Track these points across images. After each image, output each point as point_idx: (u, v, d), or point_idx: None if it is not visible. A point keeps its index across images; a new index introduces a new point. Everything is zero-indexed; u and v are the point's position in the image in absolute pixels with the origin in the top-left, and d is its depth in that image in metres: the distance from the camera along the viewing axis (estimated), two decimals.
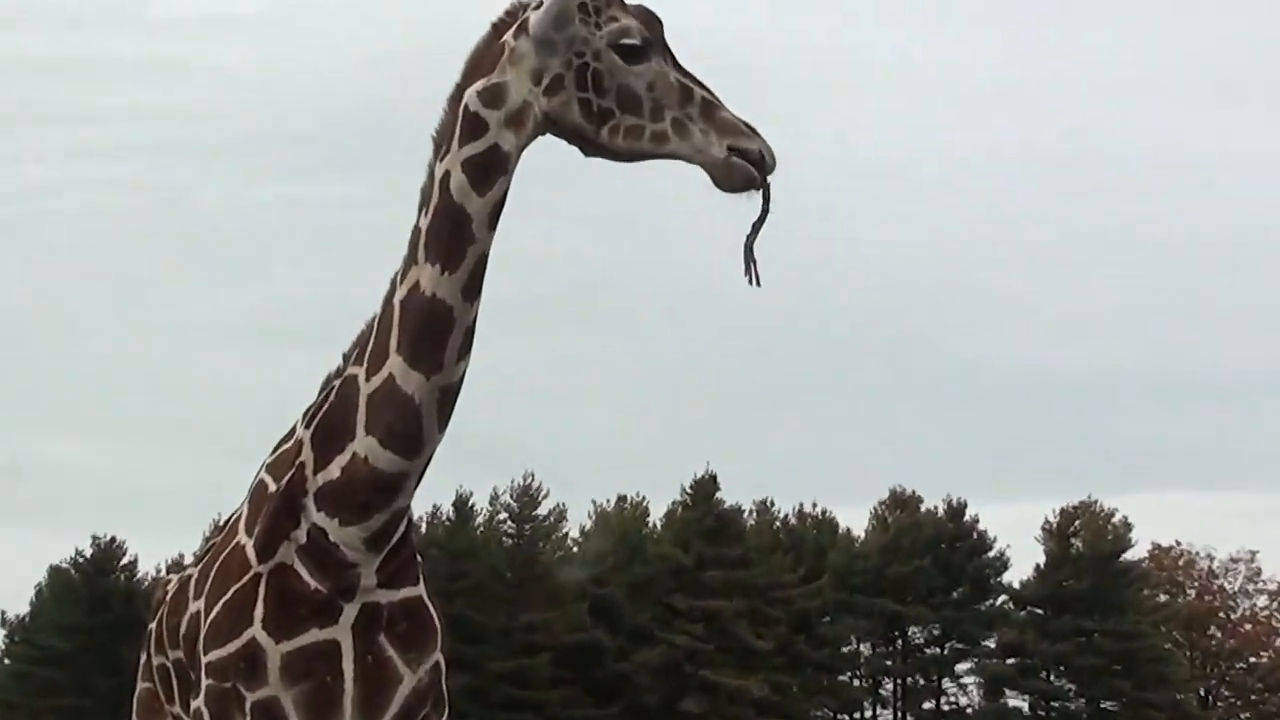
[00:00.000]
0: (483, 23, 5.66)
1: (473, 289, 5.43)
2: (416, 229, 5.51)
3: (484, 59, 5.58)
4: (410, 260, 5.47)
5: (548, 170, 5.73)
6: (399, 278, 5.51)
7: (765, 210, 5.40)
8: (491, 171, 5.44)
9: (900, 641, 66.57)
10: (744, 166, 5.39)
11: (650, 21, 5.59)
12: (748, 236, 5.40)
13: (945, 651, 66.35)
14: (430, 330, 5.42)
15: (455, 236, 5.40)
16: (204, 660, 5.60)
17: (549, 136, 5.59)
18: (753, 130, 5.47)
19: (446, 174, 5.45)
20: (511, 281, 5.92)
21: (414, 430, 5.45)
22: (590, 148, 5.56)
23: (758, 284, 5.40)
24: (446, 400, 5.46)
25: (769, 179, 5.41)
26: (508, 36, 5.58)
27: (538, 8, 5.56)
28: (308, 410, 5.76)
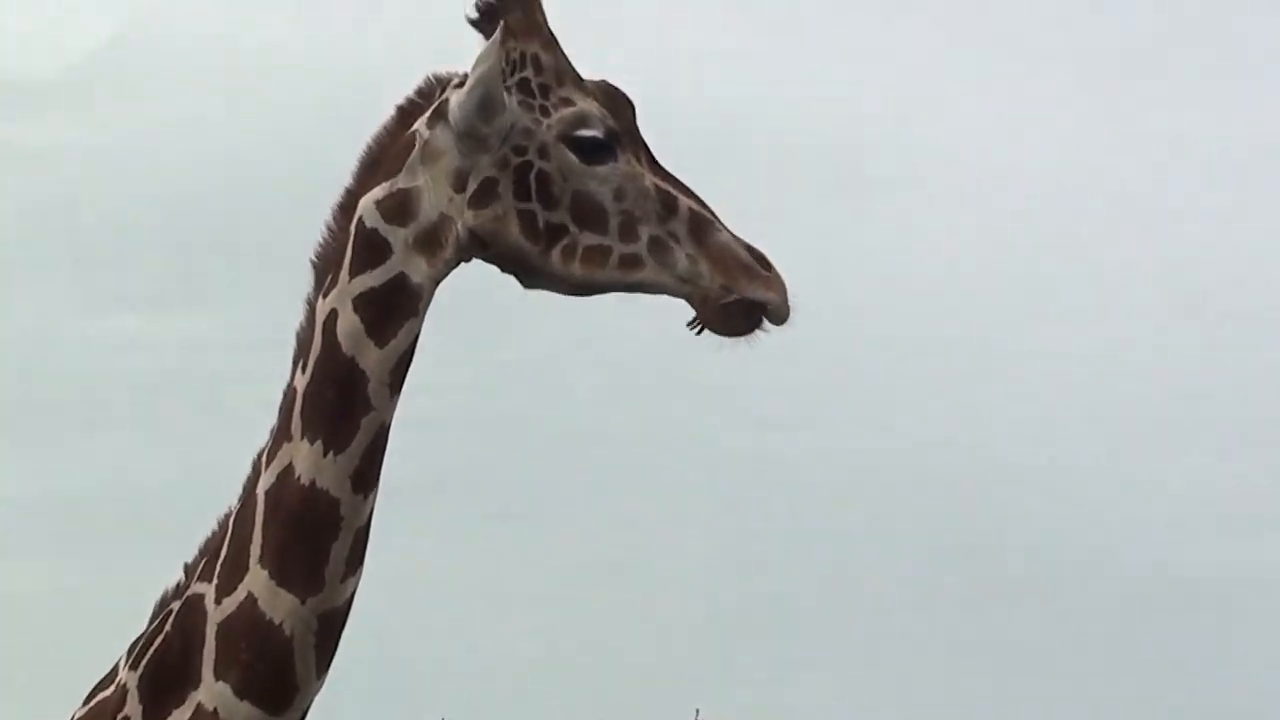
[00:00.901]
0: (402, 86, 4.48)
1: (368, 476, 4.42)
2: (290, 390, 4.48)
3: (386, 155, 4.48)
4: (281, 435, 4.46)
5: (474, 297, 4.72)
6: (264, 458, 4.51)
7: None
8: (395, 312, 4.42)
9: None
10: (744, 308, 4.41)
11: (617, 104, 4.52)
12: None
13: None
14: (308, 533, 4.41)
15: (344, 402, 4.42)
16: None
17: (476, 262, 4.51)
18: (764, 262, 4.42)
19: (332, 314, 4.42)
20: (413, 456, 4.93)
21: (283, 673, 4.42)
22: (533, 277, 4.50)
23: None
24: (329, 630, 4.45)
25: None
26: (419, 125, 4.47)
27: (460, 85, 4.45)
28: (135, 644, 4.72)
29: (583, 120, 4.42)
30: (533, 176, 4.39)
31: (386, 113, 4.43)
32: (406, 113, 4.45)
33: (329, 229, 4.45)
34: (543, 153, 4.40)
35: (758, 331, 4.34)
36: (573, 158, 4.40)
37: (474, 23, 4.51)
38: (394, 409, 4.37)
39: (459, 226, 4.38)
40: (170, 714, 4.46)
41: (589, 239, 4.39)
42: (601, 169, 4.41)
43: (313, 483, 4.31)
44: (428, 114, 4.42)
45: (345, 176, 4.39)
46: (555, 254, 4.38)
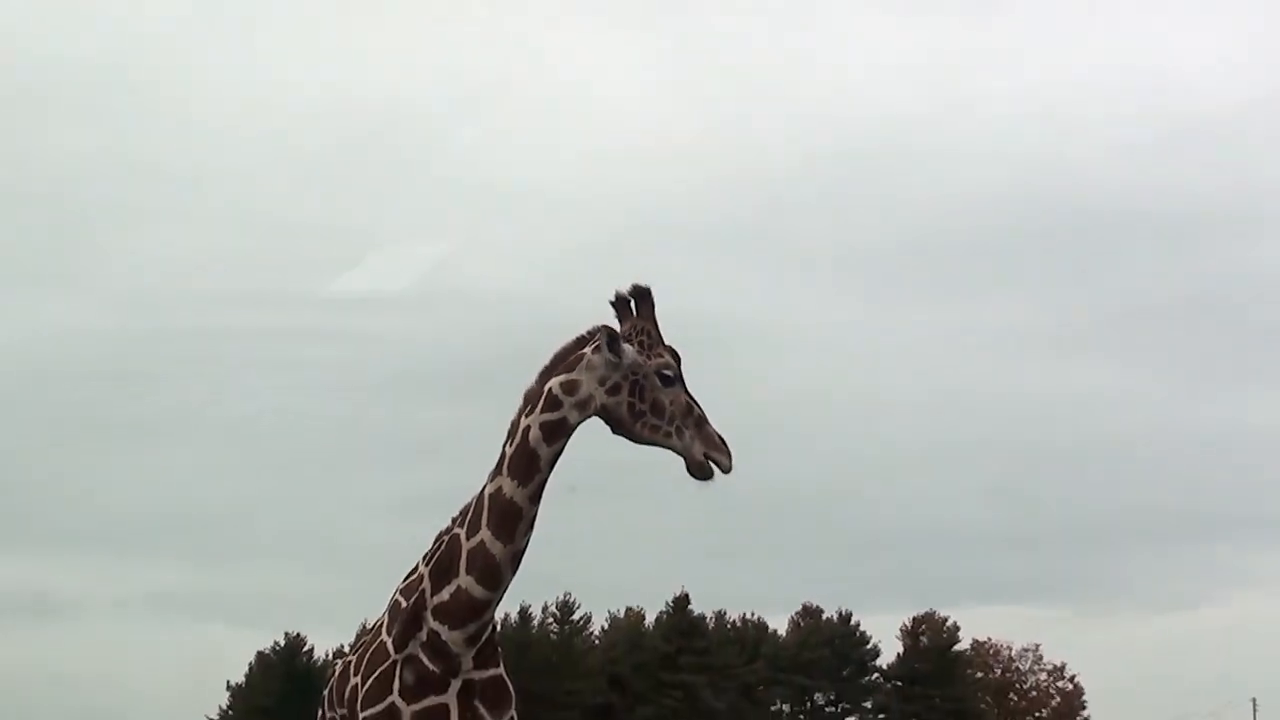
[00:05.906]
0: (591, 317, 7.23)
1: (537, 497, 7.03)
2: (504, 453, 7.03)
3: (567, 356, 7.12)
4: (497, 471, 7.03)
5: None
6: (491, 478, 7.06)
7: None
8: (558, 433, 6.99)
9: (809, 703, 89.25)
10: (710, 468, 7.04)
11: (678, 359, 7.12)
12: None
13: (839, 710, 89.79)
14: (507, 519, 6.91)
15: (529, 466, 6.98)
16: (360, 716, 7.15)
17: (594, 419, 7.16)
18: (726, 446, 6.99)
19: (528, 428, 6.97)
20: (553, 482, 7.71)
21: (496, 575, 6.98)
22: (621, 430, 7.07)
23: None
24: (516, 559, 7.07)
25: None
26: (588, 350, 7.02)
27: (610, 343, 6.90)
28: (427, 553, 7.33)
29: (667, 365, 6.79)
30: (638, 387, 6.74)
31: (569, 336, 6.98)
32: (582, 340, 6.94)
33: (535, 382, 6.80)
34: (644, 377, 6.72)
35: (713, 479, 6.78)
36: (658, 381, 6.76)
37: (613, 304, 6.99)
38: (550, 472, 6.79)
39: (597, 401, 6.76)
40: (444, 588, 6.83)
41: (654, 420, 6.77)
42: (669, 389, 6.77)
43: (511, 498, 6.73)
44: (592, 345, 6.87)
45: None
46: (639, 425, 6.81)
